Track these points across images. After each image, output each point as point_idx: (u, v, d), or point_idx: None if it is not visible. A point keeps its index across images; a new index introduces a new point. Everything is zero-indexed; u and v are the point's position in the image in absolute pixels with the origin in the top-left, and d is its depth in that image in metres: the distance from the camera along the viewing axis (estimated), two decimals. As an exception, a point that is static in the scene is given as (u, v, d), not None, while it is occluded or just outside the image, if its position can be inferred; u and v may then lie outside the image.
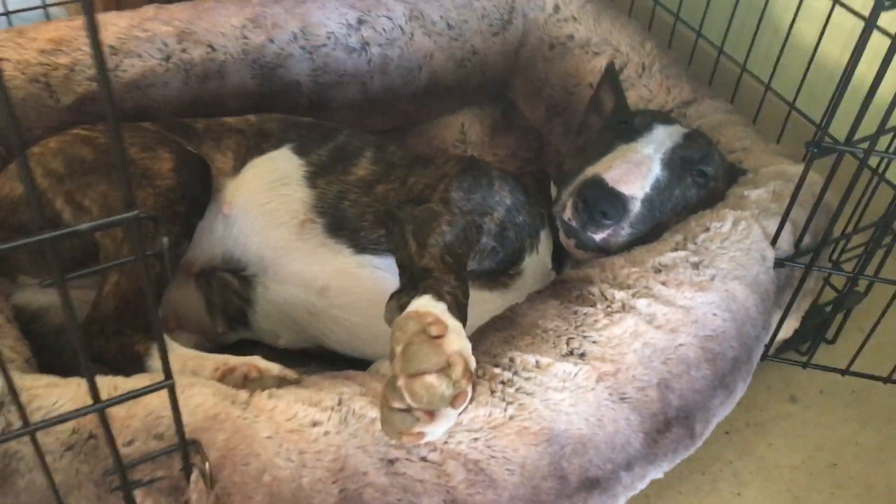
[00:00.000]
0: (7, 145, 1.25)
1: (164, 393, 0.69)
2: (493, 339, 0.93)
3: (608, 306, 0.94)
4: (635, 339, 0.91)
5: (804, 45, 1.43)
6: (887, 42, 0.87)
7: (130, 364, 0.94)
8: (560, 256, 1.16)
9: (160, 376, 0.77)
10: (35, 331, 1.08)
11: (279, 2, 1.44)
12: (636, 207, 1.03)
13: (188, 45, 1.36)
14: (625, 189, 1.02)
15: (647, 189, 1.04)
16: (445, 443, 0.81)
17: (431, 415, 0.74)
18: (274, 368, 0.91)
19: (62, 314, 1.10)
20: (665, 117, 1.17)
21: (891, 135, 1.16)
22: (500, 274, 1.12)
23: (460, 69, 1.58)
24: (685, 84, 1.39)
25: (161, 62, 1.35)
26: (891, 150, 1.16)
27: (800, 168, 1.16)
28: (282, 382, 0.90)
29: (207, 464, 0.76)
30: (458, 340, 0.75)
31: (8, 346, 0.93)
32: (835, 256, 1.30)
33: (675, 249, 1.00)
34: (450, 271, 0.89)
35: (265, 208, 1.14)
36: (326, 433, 0.80)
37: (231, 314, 1.16)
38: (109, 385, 0.80)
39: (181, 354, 0.94)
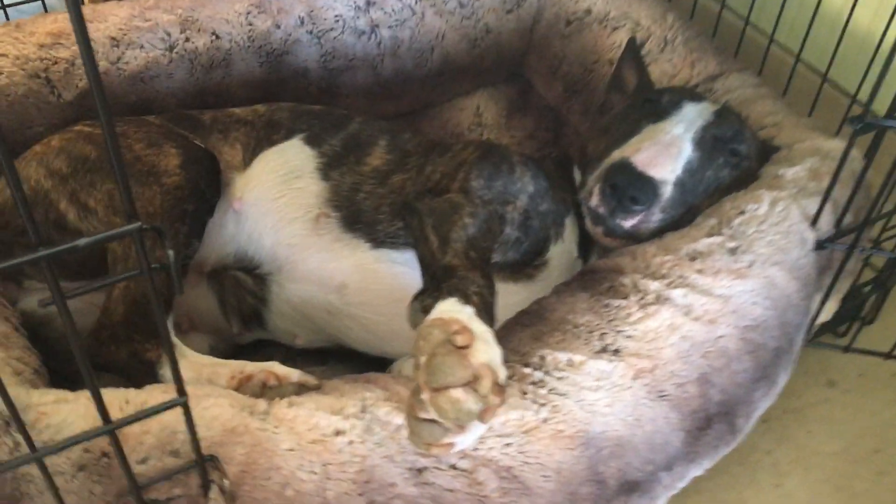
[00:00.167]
0: (8, 144, 1.20)
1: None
2: (522, 336, 0.88)
3: (642, 298, 0.89)
4: (672, 332, 0.86)
5: (834, 13, 1.36)
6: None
7: (142, 372, 0.90)
8: (586, 244, 1.11)
9: (174, 387, 0.73)
10: (44, 336, 1.05)
11: (284, -15, 1.39)
12: (667, 192, 0.98)
13: (192, 34, 1.31)
14: (655, 172, 0.97)
15: (679, 171, 0.99)
16: (476, 449, 0.77)
17: (463, 427, 0.69)
18: (293, 374, 0.87)
19: (75, 318, 1.07)
20: (693, 94, 1.12)
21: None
22: (525, 265, 1.07)
23: (474, 49, 1.52)
24: (710, 57, 1.33)
25: (164, 52, 1.30)
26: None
27: (836, 143, 1.11)
28: (301, 389, 0.86)
29: (227, 480, 0.72)
30: (486, 350, 0.70)
31: (15, 357, 0.89)
32: (875, 235, 1.25)
33: (710, 235, 0.95)
34: (475, 268, 0.84)
35: (277, 203, 1.10)
36: (350, 443, 0.76)
37: (246, 314, 1.12)
38: (120, 399, 0.76)
39: (195, 362, 0.90)
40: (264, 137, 1.16)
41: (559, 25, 1.52)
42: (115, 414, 0.75)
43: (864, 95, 1.20)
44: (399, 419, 0.78)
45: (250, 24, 1.35)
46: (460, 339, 0.68)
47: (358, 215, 1.08)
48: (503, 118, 1.58)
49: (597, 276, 0.95)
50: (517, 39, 1.57)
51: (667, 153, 0.99)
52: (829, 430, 1.17)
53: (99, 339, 0.93)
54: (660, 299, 0.88)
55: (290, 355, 1.16)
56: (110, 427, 0.60)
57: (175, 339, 0.94)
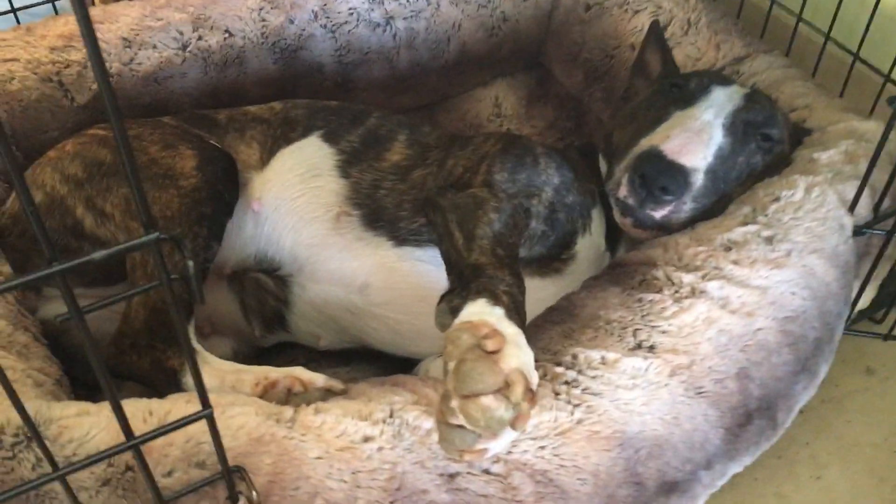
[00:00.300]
0: (23, 150, 1.19)
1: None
2: (552, 334, 0.86)
3: (676, 291, 0.86)
4: (709, 326, 0.83)
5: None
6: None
7: (165, 381, 0.88)
8: (613, 236, 1.08)
9: (197, 395, 0.71)
10: (64, 344, 1.03)
11: (296, -21, 1.36)
12: (699, 180, 0.94)
13: (204, 32, 1.29)
14: (686, 161, 0.94)
15: (710, 159, 0.96)
16: (509, 453, 0.75)
17: (495, 433, 0.67)
18: (318, 379, 0.85)
19: (92, 326, 1.05)
20: (722, 78, 1.08)
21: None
22: (552, 259, 1.04)
23: (491, 38, 1.50)
24: (736, 39, 1.29)
25: (178, 52, 1.28)
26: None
27: (871, 124, 1.07)
28: (327, 394, 0.83)
29: (255, 491, 0.70)
30: (517, 355, 0.67)
31: (36, 367, 0.87)
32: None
33: (745, 224, 0.91)
34: (503, 266, 0.81)
35: (297, 203, 1.07)
36: (380, 449, 0.74)
37: (268, 316, 1.10)
38: (143, 410, 0.74)
39: (218, 369, 0.88)
40: (281, 136, 1.14)
41: (578, 10, 1.48)
42: (138, 426, 0.73)
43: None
44: (429, 423, 0.75)
45: (263, 20, 1.33)
46: (490, 344, 0.66)
47: (379, 213, 1.06)
48: (523, 108, 1.55)
49: (628, 270, 0.92)
50: (535, 26, 1.54)
51: (697, 140, 0.96)
52: (869, 420, 1.14)
53: (120, 347, 0.92)
54: (695, 292, 0.85)
55: (314, 357, 1.14)
56: (133, 442, 0.59)
57: (197, 346, 0.92)
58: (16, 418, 0.72)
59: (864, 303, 1.07)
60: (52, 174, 1.03)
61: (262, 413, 0.76)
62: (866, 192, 0.97)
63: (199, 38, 1.30)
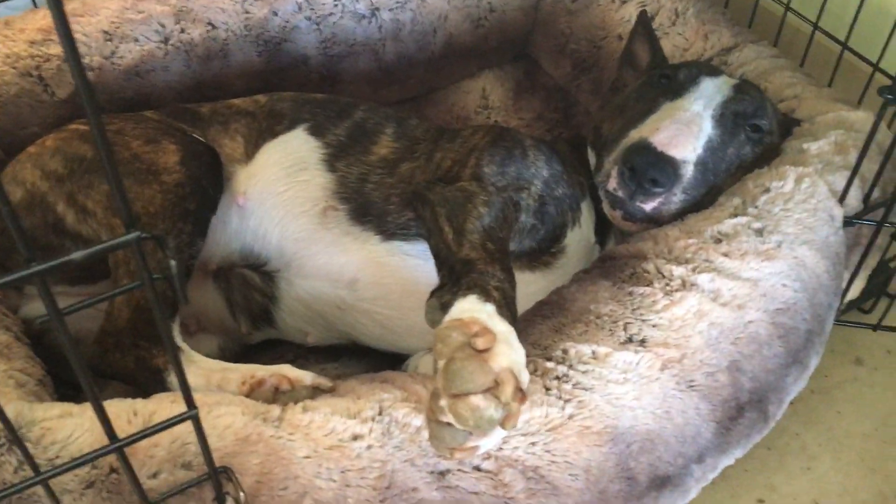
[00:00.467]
0: (3, 146, 1.17)
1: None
2: (542, 329, 0.85)
3: (666, 285, 0.85)
4: (700, 319, 0.82)
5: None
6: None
7: (150, 380, 0.87)
8: (603, 229, 1.08)
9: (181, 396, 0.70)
10: (48, 343, 1.02)
11: (280, -30, 1.34)
12: (689, 172, 0.94)
13: (187, 25, 1.27)
14: (675, 152, 0.93)
15: (700, 150, 0.95)
16: (500, 450, 0.74)
17: (485, 432, 0.66)
18: (306, 377, 0.84)
19: (75, 325, 1.04)
20: (711, 68, 1.07)
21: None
22: (542, 252, 1.03)
23: (478, 29, 1.49)
24: (724, 29, 1.29)
25: (160, 45, 1.26)
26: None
27: (861, 115, 1.07)
28: (315, 392, 0.82)
29: (242, 492, 0.69)
30: (507, 353, 0.66)
31: (18, 368, 0.86)
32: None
33: (735, 215, 0.91)
34: (493, 260, 0.80)
35: (283, 197, 1.06)
36: (369, 447, 0.73)
37: (255, 312, 1.08)
38: (128, 410, 0.73)
39: (204, 368, 0.86)
40: (266, 129, 1.13)
41: (565, 1, 1.48)
42: (123, 427, 0.72)
43: (886, 63, 1.16)
44: (418, 420, 0.75)
45: (246, 12, 1.31)
46: (481, 342, 0.65)
47: (367, 207, 1.05)
48: (510, 100, 1.54)
49: (618, 263, 0.91)
50: (522, 17, 1.53)
51: (687, 132, 0.95)
52: (859, 411, 1.14)
53: (103, 346, 0.90)
54: (685, 285, 0.85)
55: (302, 353, 1.13)
56: (117, 445, 0.57)
57: (182, 345, 0.91)
58: (-3, 420, 0.70)
59: (853, 293, 1.06)
60: (32, 170, 1.01)
61: (249, 412, 0.75)
62: (856, 183, 0.96)
63: (182, 30, 1.28)
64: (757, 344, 0.84)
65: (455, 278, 0.77)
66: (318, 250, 1.03)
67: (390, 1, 1.39)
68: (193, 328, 1.08)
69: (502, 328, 0.68)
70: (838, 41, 1.22)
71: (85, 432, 0.71)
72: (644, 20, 1.23)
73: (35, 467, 0.56)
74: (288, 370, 0.84)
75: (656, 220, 0.96)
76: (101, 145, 0.46)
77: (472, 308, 0.70)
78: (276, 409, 0.76)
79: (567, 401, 0.76)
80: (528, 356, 0.78)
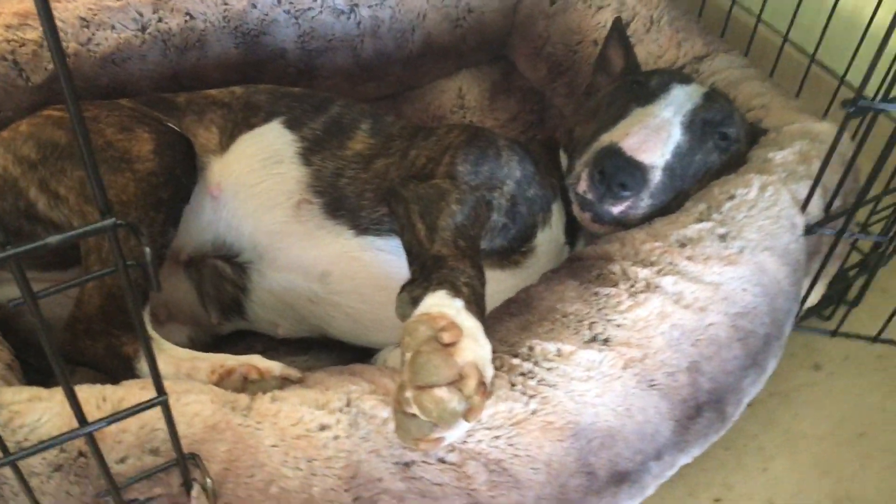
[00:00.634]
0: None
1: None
2: (510, 326, 0.87)
3: (631, 286, 0.87)
4: (662, 320, 0.85)
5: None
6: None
7: (119, 367, 0.87)
8: (573, 230, 1.10)
9: (152, 382, 0.70)
10: (17, 328, 1.02)
11: (260, -38, 1.35)
12: (656, 177, 0.96)
13: (165, 14, 1.27)
14: (644, 158, 0.95)
15: (668, 156, 0.97)
16: (464, 442, 0.75)
17: (449, 424, 0.68)
18: (275, 368, 0.85)
19: (45, 311, 1.03)
20: (682, 76, 1.10)
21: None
22: (512, 251, 1.05)
23: (456, 29, 1.50)
24: (697, 38, 1.31)
25: (137, 33, 1.26)
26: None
27: (826, 126, 1.10)
28: (284, 383, 0.83)
29: (209, 478, 0.70)
30: (472, 348, 0.68)
31: (-14, 352, 0.86)
32: (862, 219, 1.24)
33: (700, 220, 0.93)
34: (464, 257, 0.82)
35: (257, 189, 1.07)
36: (336, 437, 0.74)
37: (225, 303, 1.09)
38: (97, 396, 0.74)
39: (174, 356, 0.87)
40: (242, 121, 1.13)
41: (543, 5, 1.49)
42: (92, 412, 0.72)
43: (852, 77, 1.19)
44: (385, 412, 0.76)
45: (225, 4, 1.31)
46: (447, 337, 0.66)
47: (341, 201, 1.06)
48: (486, 100, 1.56)
49: (585, 264, 0.93)
50: (500, 19, 1.54)
51: (656, 138, 0.97)
52: (815, 414, 1.17)
53: (74, 332, 0.90)
54: (650, 287, 0.87)
55: (272, 345, 1.14)
56: (87, 429, 0.58)
57: (153, 333, 0.91)
58: (-35, 403, 0.71)
59: (813, 300, 1.09)
60: (4, 155, 1.01)
61: (218, 401, 0.76)
62: (818, 192, 0.99)
63: (160, 19, 1.27)
64: (717, 346, 0.86)
65: (426, 274, 0.79)
66: (291, 243, 1.04)
67: (370, -3, 1.40)
68: (164, 317, 1.09)
69: (469, 324, 0.70)
70: (806, 54, 1.25)
71: (54, 416, 0.71)
72: (618, 27, 1.25)
73: (5, 448, 0.57)
74: (257, 360, 0.85)
75: (624, 223, 0.99)
76: (80, 133, 0.47)
77: (440, 303, 0.72)
78: (244, 399, 0.77)
79: (531, 396, 0.78)
80: (495, 352, 0.80)
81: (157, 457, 0.70)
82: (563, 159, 1.13)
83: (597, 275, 0.90)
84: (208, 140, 1.12)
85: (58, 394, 0.75)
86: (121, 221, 0.50)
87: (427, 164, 1.04)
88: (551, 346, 0.82)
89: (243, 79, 1.32)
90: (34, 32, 1.20)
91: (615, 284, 0.88)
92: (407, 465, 0.74)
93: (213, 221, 1.07)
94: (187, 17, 1.29)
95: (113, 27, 1.24)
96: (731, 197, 0.96)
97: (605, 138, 0.99)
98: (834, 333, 1.14)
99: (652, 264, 0.89)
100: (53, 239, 0.49)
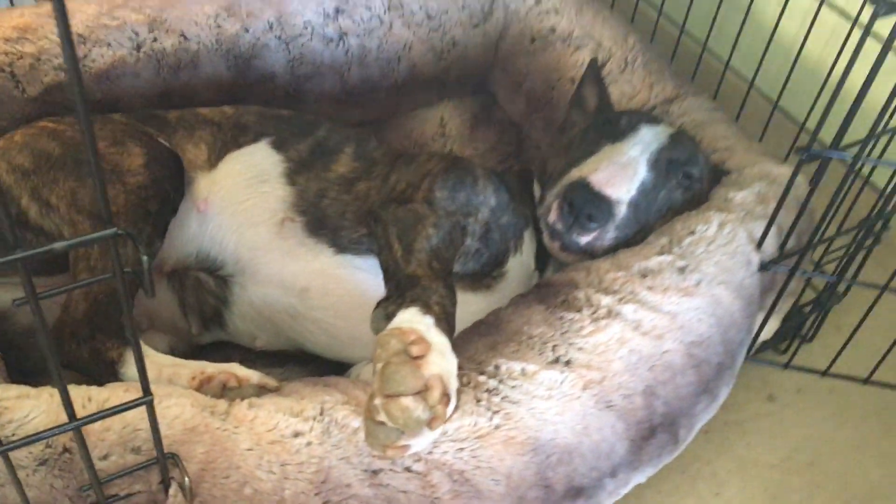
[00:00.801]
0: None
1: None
2: (478, 346, 0.91)
3: (594, 312, 0.93)
4: (621, 345, 0.90)
5: (788, 43, 1.42)
6: (875, 43, 0.86)
7: (104, 371, 0.91)
8: (543, 258, 1.15)
9: (135, 386, 0.74)
10: (3, 330, 1.05)
11: (254, -11, 1.40)
12: (622, 211, 1.02)
13: (160, 34, 1.32)
14: (611, 192, 1.01)
15: (634, 192, 1.03)
16: (430, 453, 0.80)
17: (416, 432, 0.72)
18: (253, 376, 0.89)
19: (31, 315, 1.07)
20: (650, 118, 1.16)
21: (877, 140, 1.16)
22: (484, 276, 1.10)
23: (440, 61, 1.55)
24: (668, 80, 1.38)
25: (132, 52, 1.30)
26: (875, 155, 1.16)
27: (784, 169, 1.16)
28: (261, 391, 0.88)
29: (187, 478, 0.73)
30: (439, 362, 0.73)
31: (-25, 351, 0.89)
32: (817, 258, 1.31)
33: (661, 253, 0.99)
34: (437, 278, 0.87)
35: (243, 206, 1.11)
36: (309, 444, 0.79)
37: (206, 315, 1.13)
38: (83, 396, 0.77)
39: (156, 362, 0.91)
40: (231, 139, 1.18)
41: (524, 42, 1.55)
42: (78, 411, 0.75)
43: (812, 124, 1.26)
44: (356, 422, 0.80)
45: (219, 27, 1.35)
46: (416, 350, 0.72)
47: (322, 221, 1.10)
48: (467, 130, 1.61)
49: (552, 290, 0.98)
50: (483, 54, 1.60)
51: (623, 174, 1.03)
52: (768, 443, 1.22)
53: (60, 336, 0.94)
54: (611, 314, 0.92)
55: (249, 357, 1.17)
56: (76, 424, 0.62)
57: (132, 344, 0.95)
58: (-44, 397, 0.74)
59: (767, 334, 1.15)
60: (-3, 163, 1.05)
61: (198, 405, 0.80)
62: (774, 232, 1.05)
63: (154, 39, 1.31)
64: (671, 372, 0.91)
65: (400, 291, 0.83)
66: (272, 258, 1.09)
67: (358, 27, 1.45)
68: (145, 326, 1.12)
69: (438, 339, 0.75)
70: (770, 100, 1.33)
71: (41, 413, 0.75)
72: (594, 67, 1.31)
73: (-2, 439, 0.61)
74: (237, 369, 0.90)
75: (590, 253, 1.04)
76: (88, 146, 0.51)
77: (412, 319, 0.77)
78: (223, 404, 0.81)
79: (495, 412, 0.83)
80: (463, 370, 0.85)
81: (138, 455, 0.74)
82: (537, 190, 1.19)
83: (562, 300, 0.95)
84: (196, 156, 1.16)
85: (45, 392, 0.78)
86: (121, 231, 0.54)
87: (406, 189, 1.09)
88: (516, 366, 0.87)
89: (233, 99, 1.36)
90: (32, 46, 1.24)
91: (579, 310, 0.93)
92: (375, 472, 0.79)
93: (198, 235, 1.11)
94: (181, 38, 1.33)
95: (109, 45, 1.28)
96: (692, 232, 1.02)
97: (576, 172, 1.05)
98: (786, 366, 1.20)
99: (614, 292, 0.94)
100: (59, 245, 0.53)
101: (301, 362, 1.16)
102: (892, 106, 0.95)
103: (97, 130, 1.09)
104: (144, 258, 0.54)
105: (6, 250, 0.51)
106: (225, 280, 1.11)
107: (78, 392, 0.78)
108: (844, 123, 0.91)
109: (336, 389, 0.86)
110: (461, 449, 0.80)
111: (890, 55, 0.85)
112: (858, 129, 0.94)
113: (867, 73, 0.86)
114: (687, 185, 1.10)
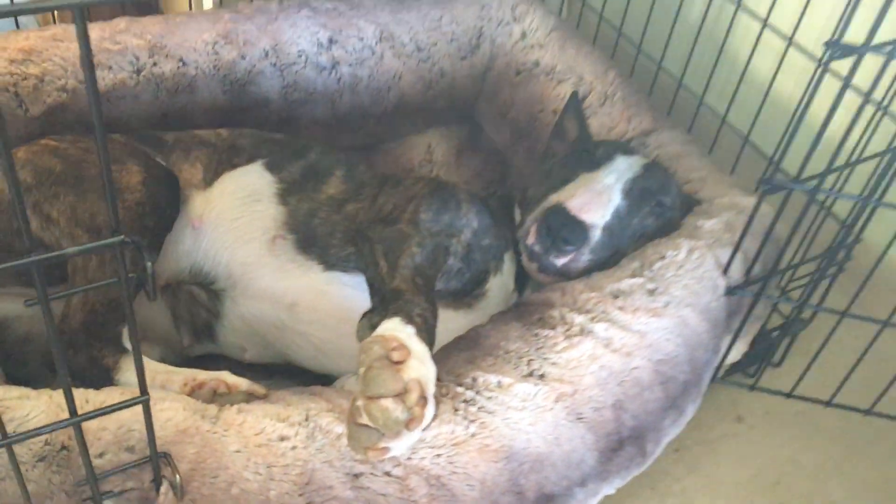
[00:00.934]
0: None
1: (135, 406, 0.71)
2: (457, 360, 0.96)
3: (567, 330, 0.98)
4: (592, 361, 0.95)
5: (760, 80, 1.49)
6: (837, 82, 0.92)
7: (99, 377, 0.95)
8: (522, 279, 1.20)
9: (129, 390, 0.79)
10: (1, 340, 1.09)
11: (251, 19, 1.46)
12: (597, 235, 1.07)
13: (159, 59, 1.37)
14: (586, 217, 1.06)
15: (608, 217, 1.09)
16: (409, 458, 0.84)
17: (395, 433, 0.77)
18: (242, 384, 0.94)
19: (28, 324, 1.11)
20: (626, 148, 1.23)
21: (838, 173, 1.22)
22: (465, 294, 1.15)
23: (428, 91, 1.61)
24: (645, 114, 1.44)
25: (132, 75, 1.35)
26: (836, 188, 1.23)
27: (752, 200, 1.22)
28: (250, 397, 0.92)
29: (178, 476, 0.78)
30: (418, 367, 0.79)
31: (-24, 356, 0.94)
32: (783, 284, 1.36)
33: (633, 276, 1.04)
34: (420, 293, 0.92)
35: (236, 223, 1.16)
36: (294, 448, 0.83)
37: (198, 327, 1.17)
38: (81, 398, 0.82)
39: (150, 368, 0.95)
40: (226, 160, 1.23)
41: (509, 74, 1.62)
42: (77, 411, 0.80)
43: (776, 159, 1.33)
44: (340, 428, 0.85)
45: (216, 54, 1.41)
46: (396, 356, 0.77)
47: (312, 239, 1.15)
48: (453, 157, 1.67)
49: (529, 308, 1.04)
50: (470, 84, 1.66)
51: (598, 200, 1.09)
52: (736, 462, 1.27)
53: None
54: (583, 331, 0.97)
55: (238, 369, 1.19)
56: (76, 419, 0.66)
57: (130, 347, 0.99)
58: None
59: (735, 356, 1.20)
60: (1, 178, 1.09)
61: (190, 408, 0.84)
62: (740, 259, 1.11)
63: (154, 64, 1.37)
64: (640, 387, 0.97)
65: (385, 304, 0.89)
66: (263, 274, 1.13)
67: (350, 57, 1.51)
68: (139, 337, 1.16)
69: (418, 347, 0.80)
70: (740, 135, 1.39)
71: (40, 413, 0.79)
72: (575, 100, 1.38)
73: (4, 431, 0.65)
74: (227, 376, 0.94)
75: (566, 275, 1.09)
76: (103, 162, 0.56)
77: (394, 328, 0.82)
78: (213, 408, 0.86)
79: (472, 421, 0.88)
80: (442, 381, 0.90)
81: (132, 454, 0.78)
82: (517, 215, 1.24)
83: (538, 318, 1.01)
84: (192, 175, 1.21)
85: (44, 394, 0.83)
86: (128, 239, 0.59)
87: (393, 211, 1.14)
88: (493, 378, 0.92)
89: (228, 123, 1.41)
90: (36, 68, 1.30)
91: (553, 327, 0.98)
92: (356, 476, 0.83)
93: (192, 250, 1.15)
94: (180, 63, 1.38)
95: (110, 68, 1.34)
96: (662, 257, 1.07)
97: (554, 198, 1.11)
98: (753, 388, 1.25)
99: (587, 312, 1.00)
100: (71, 250, 0.58)
101: (288, 375, 1.20)
102: (857, 140, 1.01)
103: (97, 149, 1.13)
104: (149, 264, 0.59)
105: (11, 257, 0.55)
106: (217, 294, 1.15)
107: (76, 394, 0.81)
108: (806, 157, 0.98)
109: (321, 398, 0.91)
110: (438, 455, 0.85)
111: (850, 94, 0.92)
112: (825, 160, 1.00)
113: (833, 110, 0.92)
114: (659, 212, 1.15)
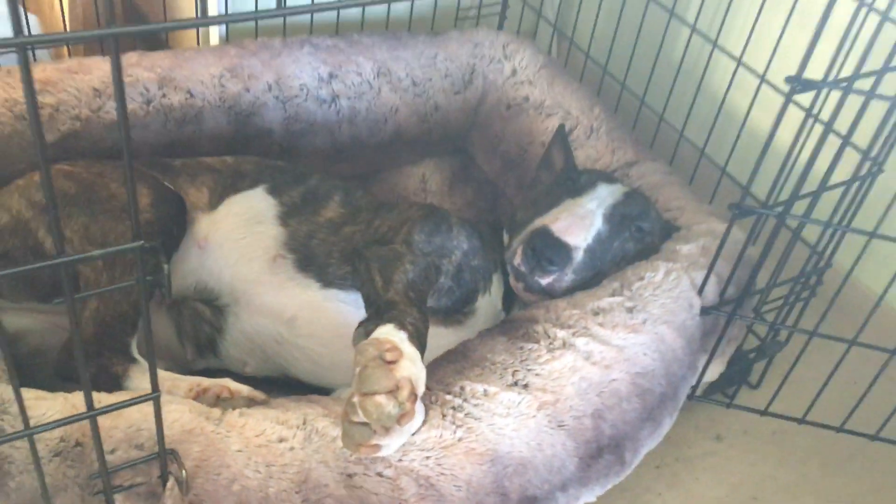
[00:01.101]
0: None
1: (144, 407, 0.78)
2: (446, 370, 1.02)
3: (550, 343, 1.04)
4: (573, 373, 1.01)
5: (736, 115, 1.57)
6: (803, 114, 1.00)
7: (109, 384, 1.01)
8: (509, 299, 1.27)
9: (139, 394, 0.85)
10: (13, 353, 1.14)
11: (255, 54, 1.54)
12: (579, 256, 1.14)
13: (168, 91, 1.44)
14: (569, 239, 1.13)
15: (590, 240, 1.16)
16: (399, 460, 0.90)
17: (386, 429, 0.83)
18: (244, 389, 1.00)
19: (40, 337, 1.17)
20: (608, 177, 1.30)
21: (808, 199, 1.29)
22: (455, 312, 1.21)
23: (423, 123, 1.69)
24: (629, 146, 1.52)
25: (142, 106, 1.42)
26: (811, 214, 1.29)
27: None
28: (251, 402, 0.98)
29: (184, 471, 0.83)
30: (409, 367, 0.85)
31: (-6, 363, 0.99)
32: (757, 307, 1.43)
33: (613, 295, 1.11)
34: (412, 304, 0.99)
35: (240, 243, 1.23)
36: (292, 448, 0.89)
37: (201, 342, 1.23)
38: (94, 399, 0.87)
39: (159, 375, 1.01)
40: (230, 185, 1.30)
41: (500, 108, 1.70)
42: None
43: (754, 188, 1.40)
44: (335, 431, 0.91)
45: (222, 87, 1.48)
46: (389, 356, 0.83)
47: (311, 258, 1.22)
48: (446, 186, 1.74)
49: (515, 324, 1.10)
50: (463, 118, 1.73)
51: (580, 224, 1.16)
52: (714, 479, 1.32)
53: (69, 353, 1.04)
54: (565, 345, 1.04)
55: (239, 382, 1.26)
56: (93, 413, 0.72)
57: (138, 356, 1.06)
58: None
59: (712, 376, 1.26)
60: (19, 199, 1.16)
61: (195, 411, 0.90)
62: (715, 281, 1.18)
63: (163, 95, 1.44)
64: (618, 398, 1.03)
65: (379, 314, 0.95)
66: (264, 290, 1.20)
67: (349, 91, 1.59)
68: (143, 350, 1.22)
69: (409, 350, 0.87)
70: (718, 166, 1.47)
71: (56, 412, 0.85)
72: (562, 133, 1.45)
73: (26, 421, 0.71)
74: (230, 383, 1.01)
75: (550, 293, 1.16)
76: (128, 180, 0.63)
77: (388, 332, 0.89)
78: (217, 412, 0.91)
79: (459, 426, 0.93)
80: (431, 390, 0.96)
81: (141, 451, 0.84)
82: (506, 238, 1.31)
83: (523, 333, 1.07)
84: (198, 199, 1.28)
85: (59, 396, 0.89)
86: (147, 244, 0.66)
87: (388, 232, 1.21)
88: (479, 387, 0.98)
89: (233, 151, 1.48)
90: (52, 98, 1.37)
91: (537, 341, 1.05)
92: (350, 475, 0.89)
93: (197, 268, 1.22)
94: (188, 96, 1.46)
95: (122, 98, 1.41)
96: (641, 278, 1.14)
97: (539, 222, 1.18)
98: (729, 406, 1.31)
99: (569, 327, 1.06)
100: (97, 253, 0.65)
101: (286, 389, 1.25)
102: (827, 169, 1.08)
103: (110, 171, 1.21)
104: (165, 266, 0.65)
105: (25, 275, 0.61)
106: (220, 309, 1.21)
107: (90, 395, 0.88)
108: (773, 183, 1.05)
109: (318, 404, 0.97)
110: (427, 457, 0.91)
111: (819, 125, 1.00)
112: (805, 190, 1.07)
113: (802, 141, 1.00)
114: (639, 237, 1.22)
